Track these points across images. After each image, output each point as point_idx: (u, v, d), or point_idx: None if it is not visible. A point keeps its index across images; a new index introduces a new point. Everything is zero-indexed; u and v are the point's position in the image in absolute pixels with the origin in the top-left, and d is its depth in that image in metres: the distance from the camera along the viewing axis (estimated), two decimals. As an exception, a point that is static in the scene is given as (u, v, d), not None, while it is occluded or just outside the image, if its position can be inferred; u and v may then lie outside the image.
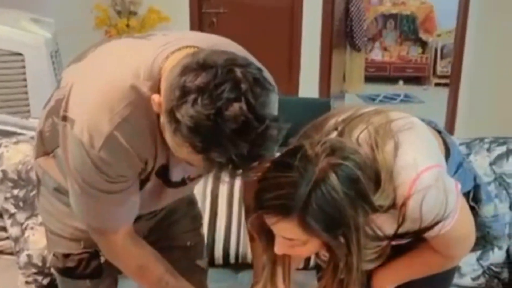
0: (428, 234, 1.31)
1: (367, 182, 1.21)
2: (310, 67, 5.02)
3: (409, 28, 7.92)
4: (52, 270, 1.65)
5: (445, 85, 6.34)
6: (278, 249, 1.30)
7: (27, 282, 2.11)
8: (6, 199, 2.22)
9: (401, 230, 1.29)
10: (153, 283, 1.44)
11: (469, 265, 2.12)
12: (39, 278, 2.11)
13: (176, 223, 1.69)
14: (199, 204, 2.22)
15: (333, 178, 1.17)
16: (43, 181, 1.52)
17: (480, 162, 2.06)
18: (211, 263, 2.14)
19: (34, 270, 2.11)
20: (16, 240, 2.20)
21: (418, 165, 1.24)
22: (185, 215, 1.71)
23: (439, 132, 1.50)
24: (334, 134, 1.31)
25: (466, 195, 1.51)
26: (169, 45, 1.24)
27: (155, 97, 1.15)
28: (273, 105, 1.15)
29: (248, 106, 1.05)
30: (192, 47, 1.23)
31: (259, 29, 4.99)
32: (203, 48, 1.19)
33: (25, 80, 3.30)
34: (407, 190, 1.23)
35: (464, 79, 4.79)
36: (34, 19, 3.37)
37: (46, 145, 1.43)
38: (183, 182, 1.44)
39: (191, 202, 1.74)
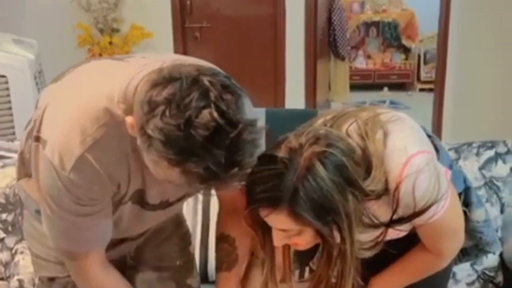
0: (422, 219, 1.30)
1: (354, 168, 1.21)
2: (295, 78, 5.03)
3: (392, 35, 7.97)
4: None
5: (429, 90, 6.38)
6: (276, 241, 1.30)
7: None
8: (-6, 224, 2.19)
9: (396, 216, 1.30)
10: None
11: (464, 271, 2.12)
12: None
13: (164, 243, 1.67)
14: (191, 219, 2.23)
15: (318, 166, 1.18)
16: (26, 204, 1.50)
17: (469, 167, 2.07)
18: (205, 279, 2.12)
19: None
20: (6, 265, 2.17)
21: (408, 150, 1.25)
22: (173, 235, 1.69)
23: (429, 136, 1.51)
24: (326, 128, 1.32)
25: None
26: (145, 67, 1.22)
27: (128, 119, 1.13)
28: (248, 110, 1.12)
29: (219, 112, 1.03)
30: None
31: (243, 42, 5.01)
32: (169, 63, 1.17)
33: (9, 102, 3.28)
34: (398, 174, 1.24)
35: (448, 83, 4.81)
36: (16, 41, 3.36)
37: (27, 167, 1.41)
38: (161, 205, 1.42)
39: (179, 221, 1.72)
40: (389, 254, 1.41)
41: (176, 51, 4.99)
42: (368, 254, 1.32)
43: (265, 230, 1.32)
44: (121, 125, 1.17)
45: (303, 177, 1.17)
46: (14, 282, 2.09)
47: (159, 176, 1.14)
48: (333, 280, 1.32)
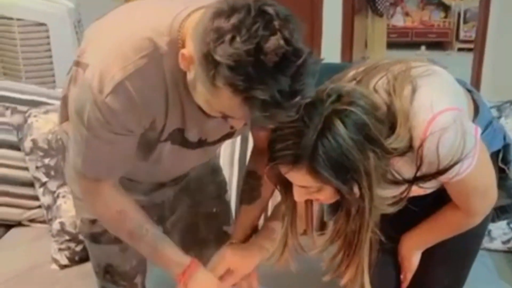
0: (446, 178, 1.30)
1: (377, 126, 1.20)
2: (332, 34, 4.97)
3: (431, -8, 7.80)
4: (81, 237, 1.66)
5: (468, 50, 6.26)
6: (297, 196, 1.32)
7: (60, 249, 2.15)
8: (37, 168, 2.25)
9: (419, 173, 1.28)
10: (133, 229, 1.41)
11: (499, 229, 2.11)
12: (72, 245, 2.14)
13: (201, 190, 1.70)
14: (227, 170, 2.25)
15: (338, 124, 1.17)
16: (67, 147, 1.51)
17: (511, 125, 2.03)
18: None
19: (67, 238, 2.14)
20: (48, 208, 2.24)
21: (434, 107, 1.23)
22: (209, 183, 1.72)
23: (469, 91, 1.49)
24: (352, 83, 1.31)
25: (495, 155, 1.51)
26: (191, 3, 1.23)
27: (185, 51, 1.14)
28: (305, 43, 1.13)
29: (285, 39, 1.04)
30: None
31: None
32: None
33: (49, 50, 3.34)
34: (423, 131, 1.22)
35: (489, 43, 4.71)
36: (56, -11, 3.38)
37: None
38: (200, 144, 1.42)
39: (215, 170, 1.75)
40: (416, 213, 1.40)
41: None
42: (391, 210, 1.31)
43: (287, 185, 1.33)
44: (164, 58, 1.19)
45: (322, 135, 1.17)
46: (56, 225, 2.16)
47: (213, 110, 1.15)
48: (351, 236, 1.33)
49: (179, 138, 1.36)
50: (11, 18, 3.25)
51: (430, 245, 1.55)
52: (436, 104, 1.24)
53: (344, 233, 1.34)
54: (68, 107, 1.35)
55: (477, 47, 4.87)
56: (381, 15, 6.48)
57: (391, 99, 1.25)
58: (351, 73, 1.35)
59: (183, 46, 1.18)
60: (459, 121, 1.24)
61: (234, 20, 1.04)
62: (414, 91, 1.25)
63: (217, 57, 1.04)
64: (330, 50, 4.98)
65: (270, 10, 1.06)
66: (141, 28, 1.21)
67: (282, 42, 1.03)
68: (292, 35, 1.05)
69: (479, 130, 1.32)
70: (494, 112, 2.05)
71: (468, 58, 5.23)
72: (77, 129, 1.29)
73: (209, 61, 1.06)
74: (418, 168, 1.27)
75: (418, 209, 1.40)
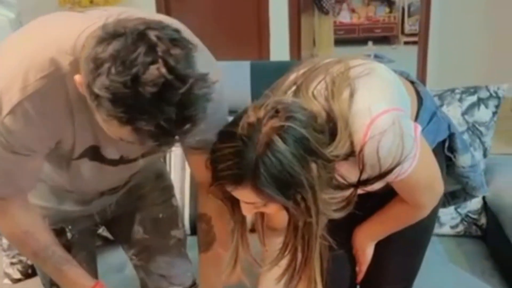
0: (389, 178, 1.31)
1: (316, 137, 1.20)
2: (279, 33, 5.01)
3: (376, -12, 7.93)
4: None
5: (414, 43, 6.38)
6: (245, 211, 1.31)
7: (12, 263, 2.10)
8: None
9: (363, 177, 1.29)
10: (38, 250, 1.39)
11: (448, 214, 2.16)
12: (24, 258, 2.09)
13: (144, 196, 1.67)
14: (179, 173, 2.24)
15: (277, 141, 1.16)
16: None
17: (452, 113, 2.08)
18: (194, 231, 2.14)
19: (17, 251, 2.08)
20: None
21: (372, 110, 1.23)
22: (154, 188, 1.68)
23: (412, 82, 1.51)
24: (292, 90, 1.30)
25: (441, 144, 1.53)
26: (99, 19, 1.13)
27: (77, 77, 1.08)
28: (203, 63, 1.08)
29: (167, 67, 0.99)
30: None
31: (226, -3, 4.96)
32: (113, 18, 1.10)
33: (-9, 62, 3.25)
34: (362, 136, 1.22)
35: (432, 35, 4.82)
36: (-4, 0, 3.31)
37: None
38: (123, 161, 1.39)
39: (159, 175, 1.71)
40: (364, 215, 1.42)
41: (158, 8, 4.94)
42: (338, 215, 1.31)
43: (234, 201, 1.31)
44: (66, 78, 1.15)
45: (263, 153, 1.16)
46: (5, 239, 2.09)
47: (113, 135, 1.11)
48: (299, 248, 1.32)
49: (96, 156, 1.33)
50: (-50, 30, 3.17)
51: (382, 237, 1.56)
52: (374, 107, 1.23)
53: (293, 246, 1.33)
54: None
55: (421, 40, 4.98)
56: (327, 13, 6.56)
57: (329, 105, 1.24)
58: (292, 76, 1.35)
59: None
60: (397, 122, 1.23)
61: (112, 48, 1.00)
62: (352, 94, 1.24)
63: (96, 90, 1.00)
64: (279, 49, 5.02)
65: (152, 35, 1.01)
66: (45, 46, 1.17)
67: (163, 70, 0.99)
68: (177, 61, 1.00)
69: (419, 128, 1.33)
70: (436, 101, 2.09)
71: (414, 51, 5.33)
72: None
73: (91, 92, 1.02)
74: (361, 172, 1.28)
75: (365, 212, 1.42)
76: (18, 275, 2.11)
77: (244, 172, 1.17)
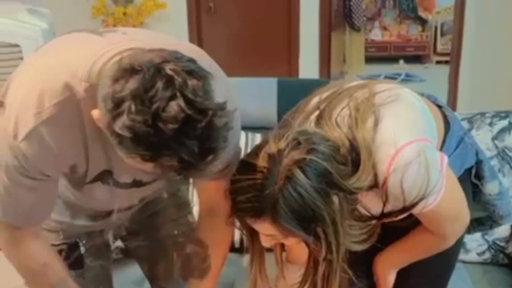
0: (414, 212, 1.28)
1: (339, 169, 1.17)
2: (309, 50, 4.99)
3: (408, 6, 7.89)
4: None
5: (446, 62, 6.31)
6: (264, 243, 1.29)
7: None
8: None
9: (387, 209, 1.26)
10: (55, 283, 1.37)
11: (474, 241, 2.12)
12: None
13: (158, 213, 1.66)
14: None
15: (299, 175, 1.13)
16: None
17: (482, 137, 2.05)
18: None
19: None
20: None
21: (397, 141, 1.20)
22: (168, 206, 1.67)
23: (440, 106, 1.48)
24: (314, 115, 1.28)
25: (468, 171, 1.50)
26: (115, 46, 1.15)
27: (94, 113, 1.08)
28: (219, 91, 1.07)
29: (186, 101, 0.98)
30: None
31: (257, 13, 4.97)
32: (130, 53, 1.10)
33: (23, 71, 3.29)
34: (386, 167, 1.19)
35: (464, 55, 4.75)
36: (30, 10, 3.36)
37: None
38: (135, 184, 1.38)
39: (174, 193, 1.69)
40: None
41: (190, 22, 4.97)
42: (360, 247, 1.28)
43: (253, 232, 1.29)
44: (82, 104, 1.14)
45: (283, 187, 1.13)
46: None
47: (134, 165, 1.09)
48: (319, 283, 1.29)
49: (109, 180, 1.33)
50: (-17, 40, 3.23)
51: (405, 265, 1.53)
52: (399, 137, 1.20)
53: (313, 281, 1.31)
54: None
55: (453, 60, 4.91)
56: (358, 30, 6.54)
57: (353, 133, 1.21)
58: (315, 100, 1.32)
59: None
60: (423, 154, 1.20)
61: (130, 86, 0.99)
62: (376, 123, 1.22)
63: (117, 130, 1.00)
64: (308, 66, 5.00)
65: (168, 69, 1.00)
66: (60, 69, 1.16)
67: (183, 104, 0.98)
68: (195, 93, 1.00)
69: (445, 159, 1.29)
70: (465, 124, 2.06)
71: (446, 71, 5.26)
72: None
73: (112, 131, 1.02)
74: (384, 204, 1.24)
75: (387, 245, 1.40)
76: None
77: (264, 205, 1.15)
